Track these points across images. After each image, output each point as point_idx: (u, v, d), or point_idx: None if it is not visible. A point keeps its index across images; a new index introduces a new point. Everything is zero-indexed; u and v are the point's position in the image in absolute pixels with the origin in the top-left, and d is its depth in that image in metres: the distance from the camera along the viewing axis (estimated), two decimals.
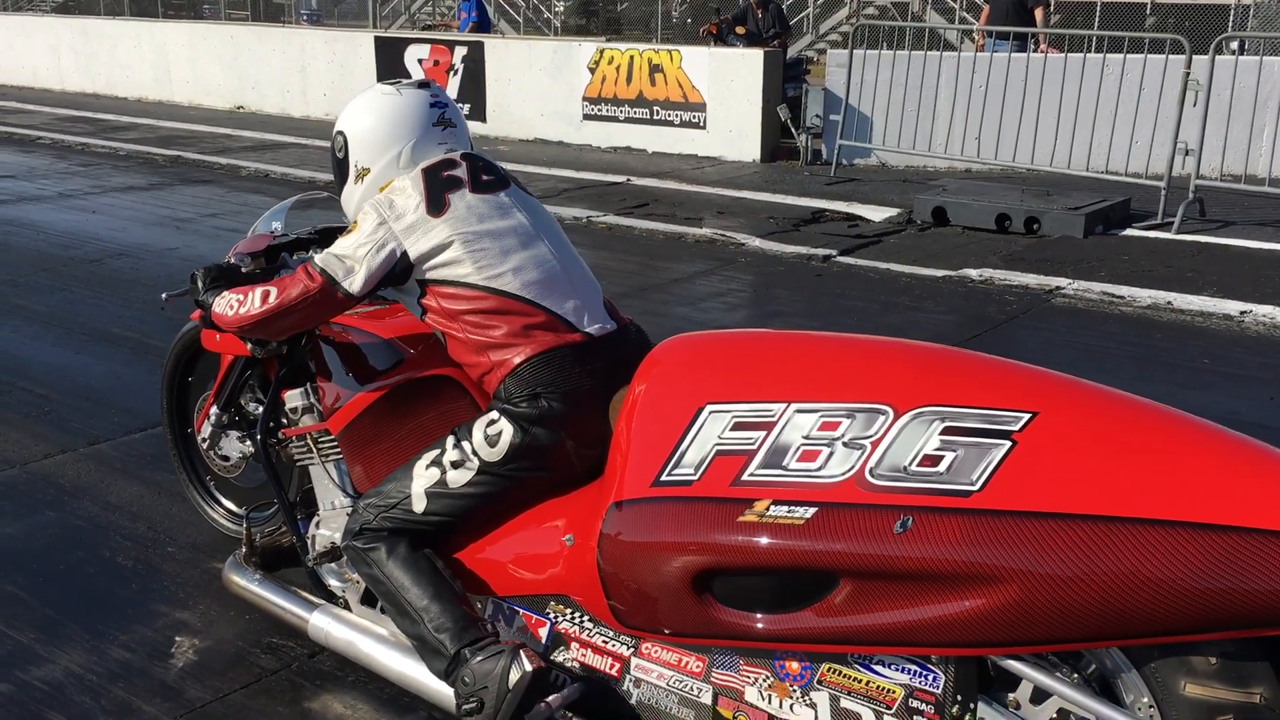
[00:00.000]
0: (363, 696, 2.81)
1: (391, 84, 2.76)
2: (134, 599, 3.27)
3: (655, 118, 11.77)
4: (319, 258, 2.57)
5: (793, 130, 11.17)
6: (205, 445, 3.32)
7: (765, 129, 11.20)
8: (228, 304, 2.69)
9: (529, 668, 2.30)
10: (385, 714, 2.74)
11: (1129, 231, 8.10)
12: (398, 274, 2.55)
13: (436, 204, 2.55)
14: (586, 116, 12.24)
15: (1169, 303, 6.35)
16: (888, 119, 10.40)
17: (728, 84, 11.27)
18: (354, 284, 2.53)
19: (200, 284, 2.83)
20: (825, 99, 11.00)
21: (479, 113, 12.95)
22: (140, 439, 4.36)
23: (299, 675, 2.90)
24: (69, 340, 5.65)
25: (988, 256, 7.42)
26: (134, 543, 3.59)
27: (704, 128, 11.49)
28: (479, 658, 2.36)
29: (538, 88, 12.53)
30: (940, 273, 7.03)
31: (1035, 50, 10.20)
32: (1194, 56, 8.31)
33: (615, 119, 12.05)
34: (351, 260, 2.53)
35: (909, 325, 5.89)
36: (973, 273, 6.99)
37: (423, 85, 2.77)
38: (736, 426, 2.11)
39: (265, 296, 2.60)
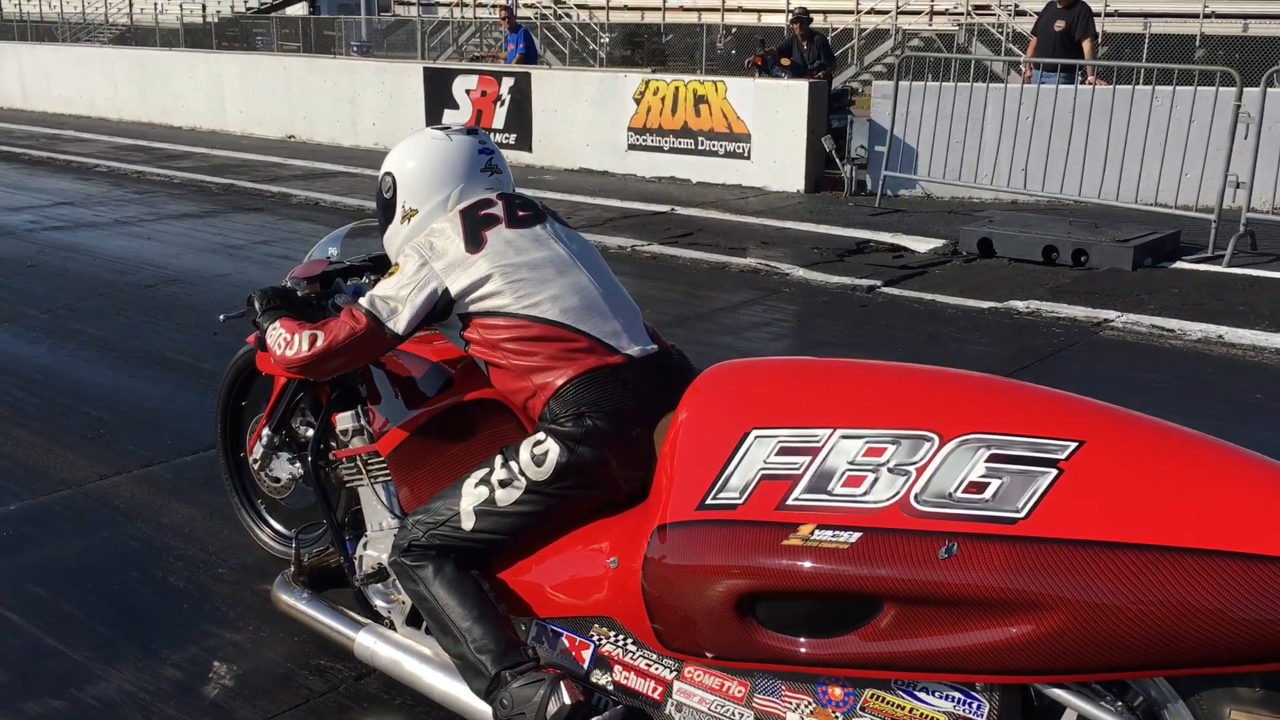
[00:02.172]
0: (410, 719, 2.84)
1: (441, 129, 2.86)
2: (185, 619, 3.32)
3: (700, 148, 11.84)
4: (363, 300, 2.64)
5: (837, 161, 11.18)
6: (256, 466, 3.38)
7: (810, 160, 11.22)
8: (277, 342, 2.75)
9: (568, 700, 2.33)
10: None
11: (1179, 264, 8.02)
12: (440, 311, 2.62)
13: (475, 241, 2.63)
14: (631, 146, 12.33)
15: (1220, 337, 6.27)
16: (933, 150, 10.39)
17: (772, 115, 11.31)
18: (399, 324, 2.60)
19: (257, 306, 2.91)
20: (870, 130, 11.01)
21: (525, 143, 13.09)
22: (192, 461, 4.44)
23: (346, 697, 2.94)
24: (124, 364, 5.76)
25: (1035, 289, 7.37)
26: (186, 564, 3.65)
27: (748, 158, 11.53)
28: (519, 682, 2.38)
29: (583, 118, 12.64)
30: (986, 304, 7.00)
31: (1083, 82, 10.16)
32: (1245, 89, 8.24)
33: (660, 149, 12.13)
34: (395, 301, 2.60)
35: (955, 357, 5.86)
36: (1019, 305, 6.95)
37: (470, 132, 2.88)
38: (782, 451, 2.13)
39: (313, 340, 2.66)
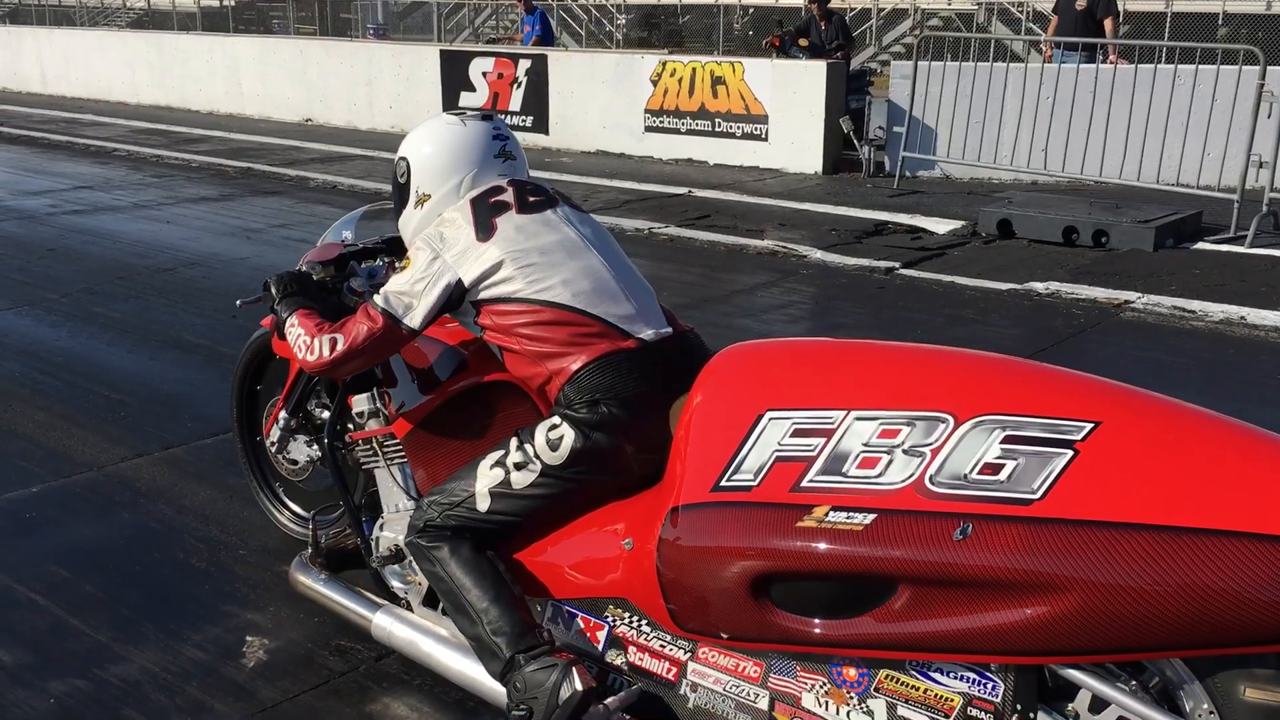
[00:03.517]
0: (428, 700, 2.85)
1: (456, 114, 2.86)
2: (207, 600, 3.34)
3: (717, 130, 11.79)
4: (378, 297, 2.65)
5: (855, 142, 11.12)
6: (274, 449, 3.40)
7: (828, 141, 11.17)
8: (297, 345, 2.76)
9: (579, 687, 2.34)
10: (451, 717, 2.78)
11: (1200, 245, 7.95)
12: (454, 301, 2.64)
13: (485, 229, 2.64)
14: (648, 129, 12.29)
15: (1242, 318, 6.23)
16: (952, 131, 10.32)
17: (790, 96, 11.26)
18: (414, 319, 2.62)
19: (274, 292, 2.92)
20: (889, 111, 10.95)
21: (541, 125, 13.07)
22: (212, 444, 4.46)
23: (366, 678, 2.96)
24: (144, 346, 5.79)
25: (1054, 270, 7.33)
26: (207, 545, 3.68)
27: (766, 140, 11.49)
28: (532, 666, 2.40)
29: (600, 100, 12.61)
30: (1006, 286, 6.96)
31: (1104, 61, 10.07)
32: (1268, 68, 8.15)
33: (677, 131, 12.09)
34: (410, 296, 2.62)
35: (974, 339, 5.84)
36: (1039, 286, 6.92)
37: (486, 117, 2.87)
38: (796, 433, 2.13)
39: (333, 345, 2.68)
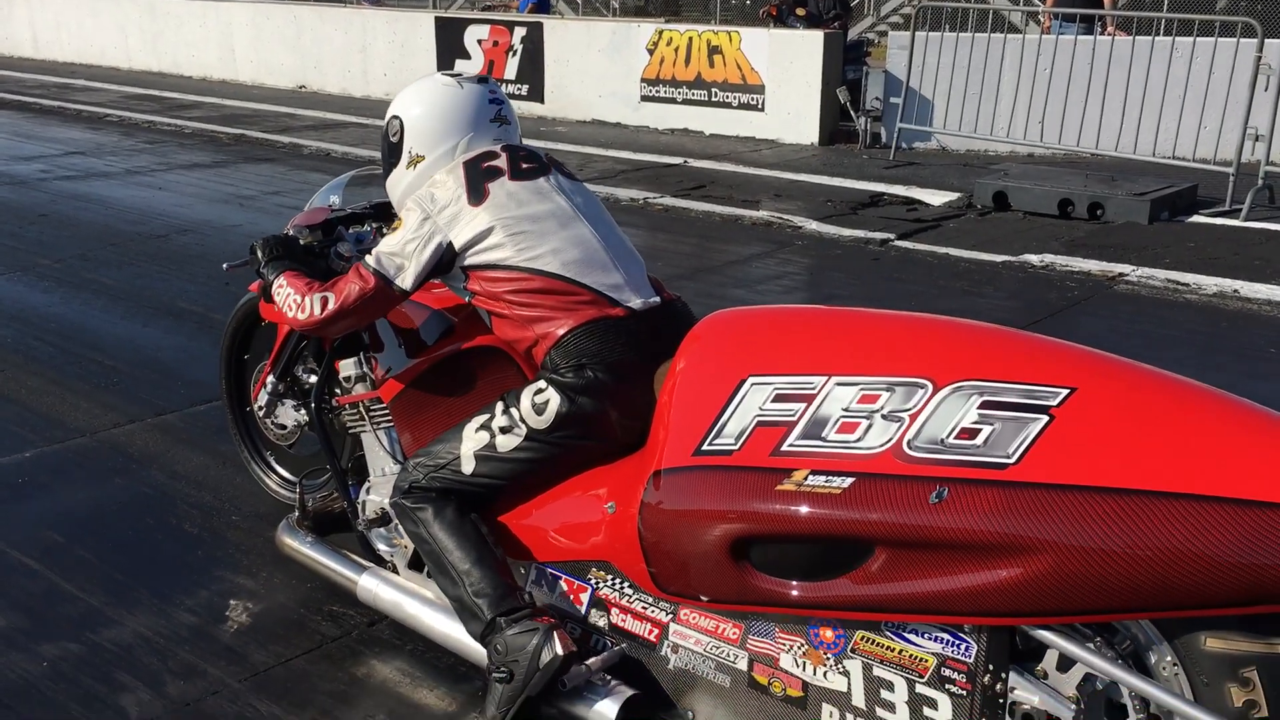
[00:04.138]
0: (420, 665, 2.87)
1: (452, 76, 2.84)
2: (200, 565, 3.35)
3: (713, 99, 11.74)
4: (369, 258, 2.66)
5: (852, 113, 11.08)
6: (261, 413, 3.42)
7: (824, 112, 11.12)
8: (287, 304, 2.77)
9: (560, 651, 2.37)
10: (443, 682, 2.80)
11: (1195, 218, 7.95)
12: (444, 264, 2.65)
13: (477, 193, 2.64)
14: (644, 98, 12.23)
15: (1235, 291, 6.23)
16: (949, 102, 10.28)
17: (787, 66, 11.20)
18: (405, 280, 2.63)
19: (260, 255, 2.92)
20: (885, 82, 10.90)
21: (537, 94, 12.99)
22: (205, 411, 4.46)
23: (359, 642, 2.97)
24: (137, 313, 5.78)
25: (1049, 242, 7.32)
26: (200, 511, 3.68)
27: (762, 110, 11.44)
28: (513, 630, 2.42)
29: (596, 69, 12.54)
30: (1000, 258, 6.96)
31: (1102, 33, 10.02)
32: (1266, 40, 8.12)
33: (673, 100, 12.03)
34: (401, 257, 2.62)
35: (967, 310, 5.83)
36: (1034, 258, 6.91)
37: (481, 80, 2.86)
38: (778, 398, 2.16)
39: (324, 303, 2.69)
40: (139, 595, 3.19)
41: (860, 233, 7.62)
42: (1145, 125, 8.96)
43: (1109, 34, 10.02)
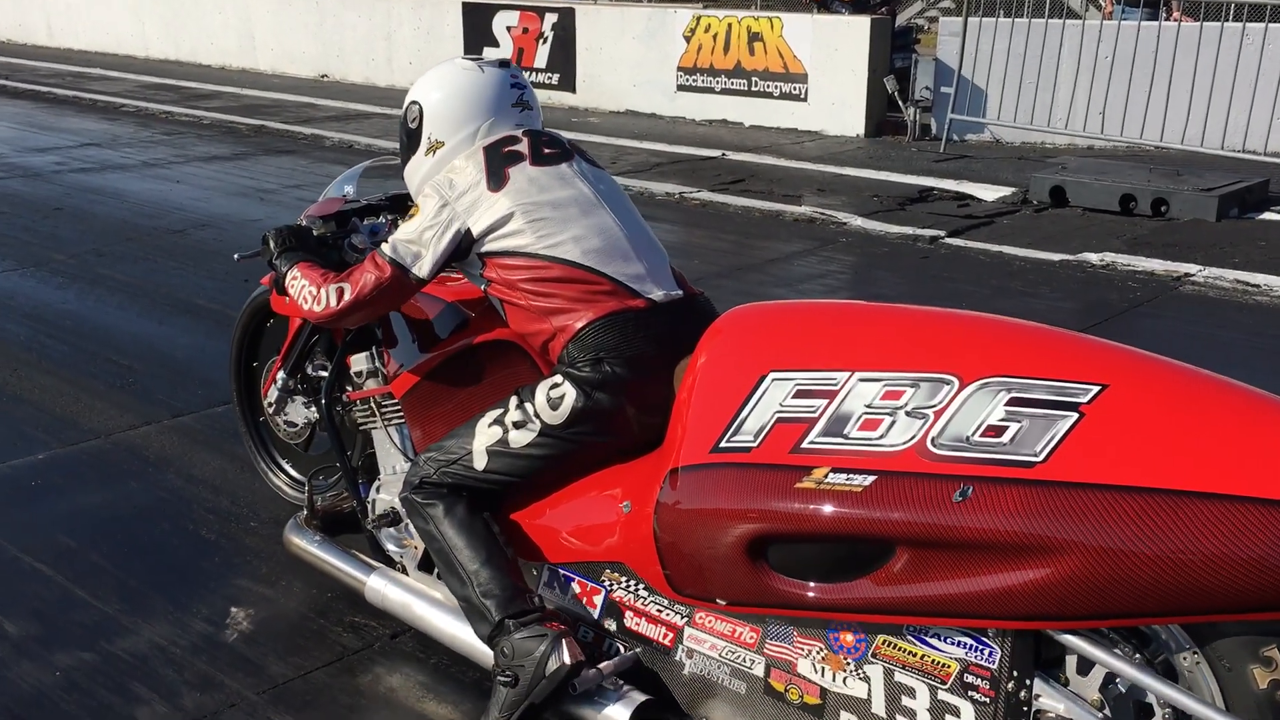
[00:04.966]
0: (445, 679, 2.89)
1: (472, 60, 2.88)
2: (217, 573, 3.40)
3: (754, 89, 11.72)
4: (385, 246, 2.69)
5: (900, 103, 11.04)
6: (271, 410, 3.46)
7: (870, 102, 11.08)
8: (302, 296, 2.81)
9: (567, 660, 2.38)
10: (467, 697, 2.82)
11: (1267, 215, 7.86)
12: (462, 250, 2.68)
13: (497, 178, 2.67)
14: (681, 87, 12.24)
15: None
16: (1003, 92, 10.22)
17: (831, 54, 11.17)
18: (423, 269, 2.66)
19: (273, 246, 2.96)
20: (936, 70, 10.84)
21: (568, 83, 13.03)
22: (223, 413, 4.51)
23: (381, 655, 3.00)
24: (153, 311, 5.86)
25: (1110, 240, 7.26)
26: (217, 516, 3.73)
27: (805, 100, 11.41)
28: (522, 634, 2.45)
29: (630, 57, 12.55)
30: (1057, 257, 6.91)
31: (1167, 18, 9.93)
32: None
33: (711, 90, 12.02)
34: (418, 245, 2.66)
35: (1022, 312, 5.78)
36: (1093, 257, 6.86)
37: (503, 64, 2.89)
38: (799, 394, 2.18)
39: (340, 294, 2.73)
40: (154, 603, 3.23)
41: (908, 230, 7.59)
42: (1213, 116, 8.87)
43: (1174, 19, 9.93)
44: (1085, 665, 2.06)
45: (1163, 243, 7.19)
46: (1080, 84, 9.79)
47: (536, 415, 2.58)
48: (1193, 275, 6.50)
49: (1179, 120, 9.17)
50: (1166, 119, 9.28)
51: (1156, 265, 6.69)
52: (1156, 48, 9.29)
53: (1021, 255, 6.99)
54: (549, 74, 13.14)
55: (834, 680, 2.22)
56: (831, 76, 11.22)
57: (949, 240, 7.39)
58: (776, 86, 11.59)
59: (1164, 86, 9.25)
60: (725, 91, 11.93)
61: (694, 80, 12.16)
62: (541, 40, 13.19)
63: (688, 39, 12.10)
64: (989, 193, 8.65)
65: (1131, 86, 9.46)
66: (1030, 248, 7.13)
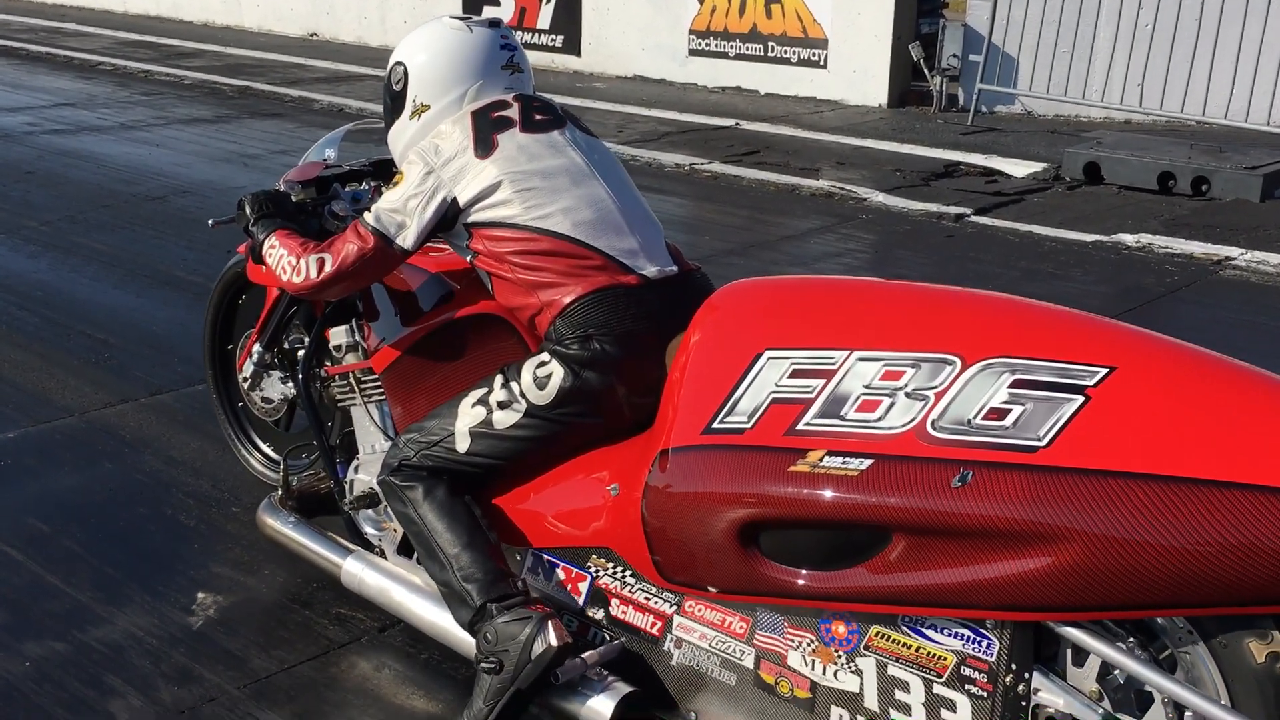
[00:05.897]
0: (435, 675, 2.90)
1: (460, 19, 2.88)
2: (197, 560, 3.41)
3: (770, 55, 11.69)
4: (368, 215, 2.70)
5: (925, 72, 11.00)
6: (246, 385, 3.48)
7: (894, 70, 11.05)
8: (281, 266, 2.81)
9: (554, 643, 2.40)
10: (461, 693, 2.82)
11: None
12: (448, 220, 2.69)
13: (485, 145, 2.67)
14: (693, 52, 12.20)
15: None
16: (1036, 61, 10.18)
17: (853, 18, 11.13)
18: (407, 239, 2.67)
19: (249, 212, 2.96)
20: (964, 37, 10.80)
21: (573, 46, 13.00)
22: (203, 391, 4.47)
23: (369, 648, 3.01)
24: (130, 282, 5.86)
25: (1147, 220, 7.25)
26: (197, 500, 3.73)
27: (825, 67, 11.37)
28: (504, 618, 2.46)
29: (639, 19, 12.52)
30: (1091, 237, 6.90)
31: None
32: None
33: (725, 55, 11.99)
34: (402, 215, 2.66)
35: (1053, 295, 5.78)
36: (1129, 238, 6.85)
37: (493, 24, 2.89)
38: (795, 374, 2.20)
39: (321, 265, 2.73)
40: (130, 591, 3.24)
41: (933, 206, 7.58)
42: (1259, 90, 8.84)
43: None
44: (1081, 656, 2.08)
45: (1203, 224, 7.17)
46: (1118, 54, 9.74)
47: (522, 395, 2.59)
48: (1234, 259, 6.48)
49: (1223, 94, 9.13)
50: (1209, 92, 9.24)
51: (1196, 248, 6.67)
52: (1200, 16, 9.24)
53: (1052, 235, 6.97)
54: (552, 36, 13.11)
55: (825, 673, 2.24)
56: (853, 42, 11.19)
57: (975, 218, 7.37)
58: (794, 52, 11.55)
59: (1207, 58, 9.21)
60: (740, 57, 11.90)
61: (707, 44, 12.12)
62: (545, 0, 13.15)
63: (700, 0, 12.06)
64: (1019, 168, 8.63)
65: (1173, 57, 9.42)
66: (1062, 227, 7.12)
